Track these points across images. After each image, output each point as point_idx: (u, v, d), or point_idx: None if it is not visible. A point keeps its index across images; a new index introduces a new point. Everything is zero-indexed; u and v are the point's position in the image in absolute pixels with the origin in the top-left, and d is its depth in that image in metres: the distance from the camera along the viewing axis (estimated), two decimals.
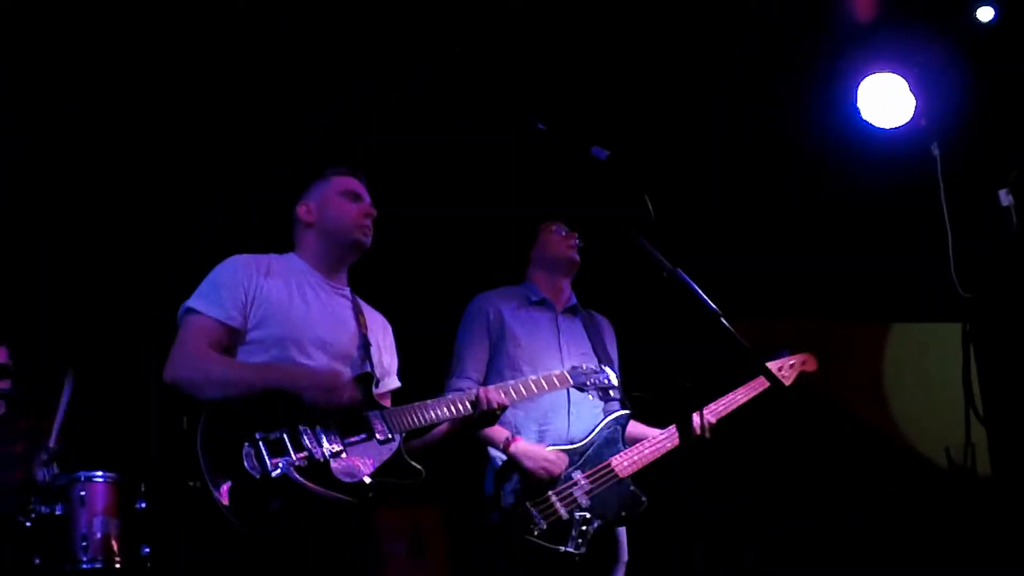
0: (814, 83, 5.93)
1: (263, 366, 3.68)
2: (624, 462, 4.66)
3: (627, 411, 4.80)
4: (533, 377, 4.29)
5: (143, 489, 4.79)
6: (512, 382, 4.20)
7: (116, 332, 5.57)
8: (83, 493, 4.64)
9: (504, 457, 4.57)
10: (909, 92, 5.65)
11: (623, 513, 4.62)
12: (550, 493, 4.50)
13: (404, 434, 3.80)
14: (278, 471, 3.43)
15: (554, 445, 4.64)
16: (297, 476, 3.45)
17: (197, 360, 3.61)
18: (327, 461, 3.55)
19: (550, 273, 4.97)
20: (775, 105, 6.00)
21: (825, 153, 6.10)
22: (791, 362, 5.20)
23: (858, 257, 6.55)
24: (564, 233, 4.94)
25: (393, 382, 4.07)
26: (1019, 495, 5.97)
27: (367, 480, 3.62)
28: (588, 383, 4.46)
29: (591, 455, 4.66)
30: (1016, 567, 5.71)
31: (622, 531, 4.75)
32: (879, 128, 5.73)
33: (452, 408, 3.91)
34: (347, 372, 3.78)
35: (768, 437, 5.41)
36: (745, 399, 4.96)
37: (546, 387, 4.31)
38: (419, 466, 3.78)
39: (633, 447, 4.72)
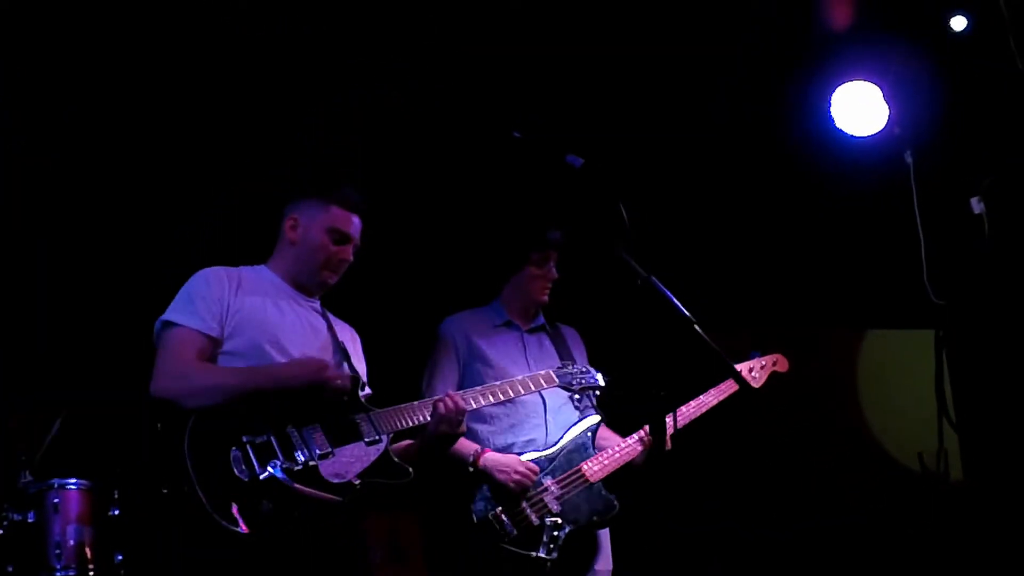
0: (788, 91, 5.94)
1: (248, 369, 3.71)
2: (594, 467, 4.68)
3: (598, 417, 4.81)
4: (519, 378, 4.31)
5: (116, 496, 4.77)
6: (498, 383, 4.23)
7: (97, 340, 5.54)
8: (56, 500, 4.61)
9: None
10: (883, 100, 5.68)
11: (595, 518, 4.64)
12: (521, 500, 4.52)
13: (391, 435, 3.86)
14: (266, 474, 3.46)
15: (533, 452, 4.65)
16: (285, 478, 3.48)
17: (181, 371, 3.65)
18: (315, 463, 3.59)
19: (522, 303, 4.98)
20: (749, 113, 6.01)
21: (799, 160, 6.12)
22: (762, 363, 5.23)
23: (831, 263, 6.57)
24: (547, 272, 4.93)
25: (366, 389, 4.08)
26: (991, 500, 6.00)
27: (355, 481, 3.65)
28: (574, 383, 4.50)
29: (561, 461, 4.67)
30: (988, 572, 5.75)
31: (605, 540, 4.77)
32: (853, 136, 5.77)
33: (435, 406, 3.97)
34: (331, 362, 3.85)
35: (740, 443, 5.42)
36: (715, 402, 4.98)
37: (532, 387, 4.34)
38: (407, 466, 3.83)
39: (603, 452, 4.74)
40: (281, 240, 4.08)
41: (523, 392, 4.32)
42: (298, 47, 5.45)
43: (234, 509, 3.40)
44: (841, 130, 5.75)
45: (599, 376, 4.58)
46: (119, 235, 5.65)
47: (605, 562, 4.74)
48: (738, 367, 5.08)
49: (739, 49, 5.76)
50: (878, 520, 6.57)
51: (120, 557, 4.69)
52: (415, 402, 3.99)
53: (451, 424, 3.95)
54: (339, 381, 3.79)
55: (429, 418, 3.94)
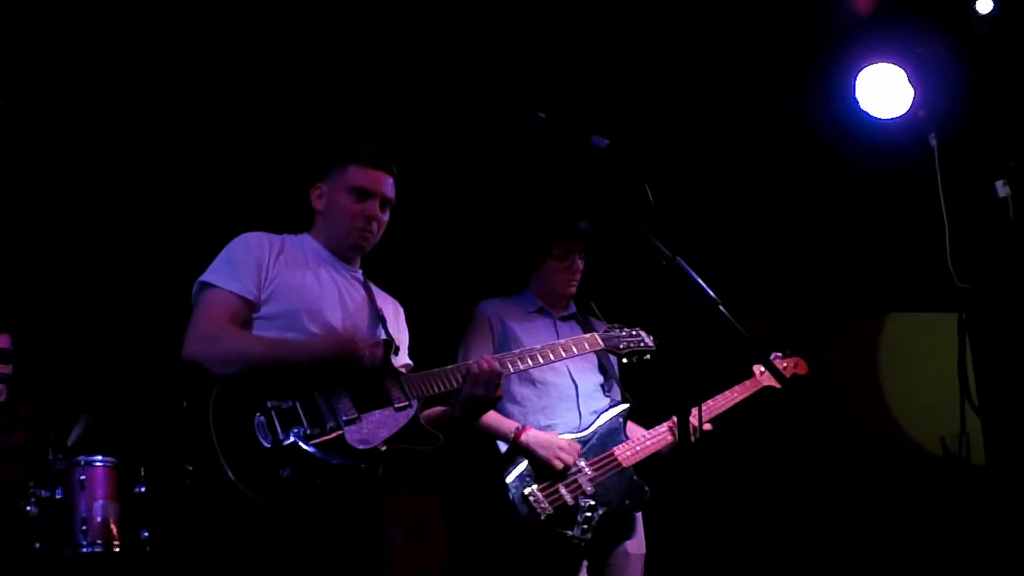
0: (813, 73, 5.92)
1: (281, 340, 3.64)
2: (627, 452, 4.71)
3: (628, 404, 4.84)
4: (562, 342, 4.28)
5: (142, 473, 4.82)
6: (538, 346, 4.18)
7: (115, 318, 5.57)
8: (83, 477, 4.67)
9: (505, 445, 4.63)
10: (907, 83, 5.66)
11: (627, 502, 4.67)
12: (557, 480, 4.55)
13: (421, 400, 3.77)
14: (289, 440, 3.40)
15: (568, 434, 4.68)
16: (307, 444, 3.42)
17: (214, 334, 3.57)
18: (341, 429, 3.52)
19: (549, 294, 4.99)
20: (774, 96, 6.00)
21: (823, 143, 6.11)
22: (784, 365, 5.25)
23: (855, 247, 6.56)
24: (570, 265, 4.93)
25: (404, 358, 4.00)
26: (1013, 485, 5.99)
27: (382, 447, 3.59)
28: (622, 345, 4.50)
29: (595, 444, 4.70)
30: (1011, 556, 5.74)
31: (639, 524, 4.79)
32: (877, 118, 5.75)
33: (470, 368, 3.86)
34: (364, 333, 3.79)
35: (761, 427, 5.43)
36: (740, 398, 5.02)
37: (575, 350, 4.31)
38: (437, 432, 3.74)
39: (635, 438, 4.77)
40: (315, 215, 4.01)
41: (564, 356, 4.26)
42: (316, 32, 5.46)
43: (256, 475, 3.34)
44: (866, 113, 5.73)
45: (649, 338, 4.57)
46: (143, 214, 5.68)
47: (638, 546, 4.76)
48: (760, 367, 5.11)
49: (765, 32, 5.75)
50: (900, 504, 6.57)
51: (146, 534, 4.75)
52: (448, 366, 3.89)
53: (487, 387, 3.82)
54: (370, 353, 3.69)
55: (463, 382, 3.83)
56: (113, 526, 4.68)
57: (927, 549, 6.37)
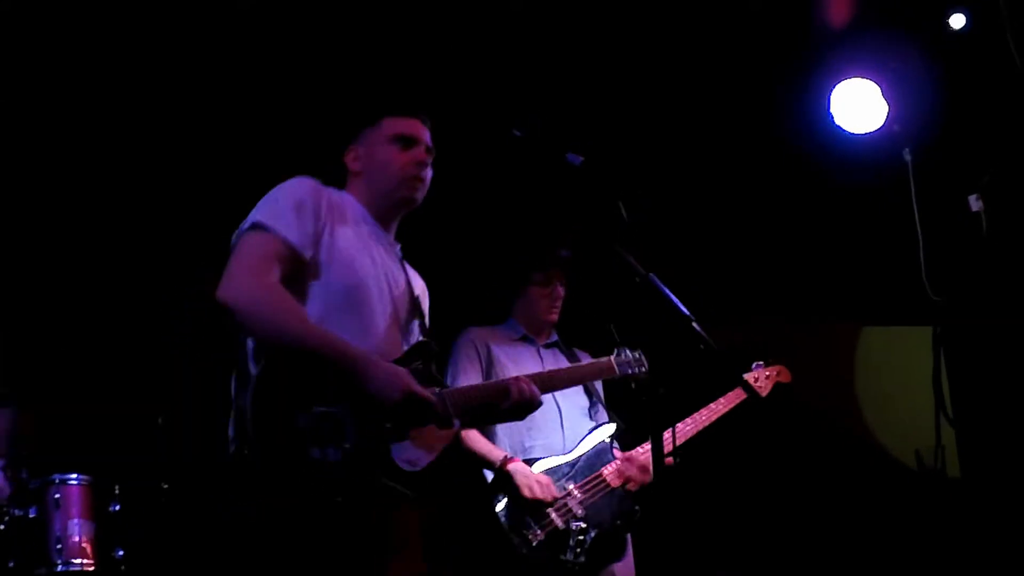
0: (788, 88, 5.95)
1: (334, 338, 3.21)
2: (613, 470, 4.71)
3: (615, 424, 4.85)
4: (583, 364, 4.25)
5: (117, 492, 4.80)
6: (553, 369, 4.18)
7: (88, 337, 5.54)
8: (57, 496, 4.66)
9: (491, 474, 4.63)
10: (882, 98, 5.69)
11: (618, 522, 4.67)
12: (547, 505, 4.54)
13: (463, 419, 3.53)
14: (335, 453, 3.10)
15: (547, 457, 4.68)
16: (354, 460, 3.12)
17: (265, 292, 3.17)
18: (387, 444, 3.22)
19: (531, 321, 5.02)
20: (748, 109, 6.02)
21: (798, 157, 6.13)
22: (767, 373, 5.26)
23: (830, 260, 6.59)
24: (552, 292, 4.96)
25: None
26: (988, 497, 6.02)
27: (425, 468, 3.31)
28: (631, 371, 4.46)
29: (582, 466, 4.70)
30: (985, 569, 5.76)
31: (628, 544, 4.80)
32: (852, 133, 5.78)
33: (505, 389, 3.63)
34: (409, 380, 3.27)
35: (736, 439, 5.43)
36: (725, 410, 5.01)
37: (588, 375, 4.30)
38: (527, 449, 3.67)
39: (624, 455, 4.77)
40: (350, 177, 3.68)
41: (579, 381, 4.32)
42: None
43: (295, 484, 3.07)
44: (840, 127, 5.76)
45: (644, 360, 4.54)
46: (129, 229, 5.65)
47: (628, 569, 4.75)
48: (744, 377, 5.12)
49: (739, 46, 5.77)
50: (875, 517, 6.58)
51: (121, 552, 4.73)
52: (484, 383, 3.84)
53: (521, 411, 3.64)
54: (408, 407, 3.27)
55: (498, 400, 3.60)
56: (87, 545, 4.67)
57: (902, 562, 6.38)
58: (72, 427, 5.09)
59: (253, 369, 3.20)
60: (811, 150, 6.00)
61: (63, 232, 5.55)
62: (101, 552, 4.69)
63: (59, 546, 4.59)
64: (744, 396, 5.02)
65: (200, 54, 5.36)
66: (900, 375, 6.67)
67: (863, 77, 5.71)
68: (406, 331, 3.55)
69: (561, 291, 4.97)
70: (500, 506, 4.52)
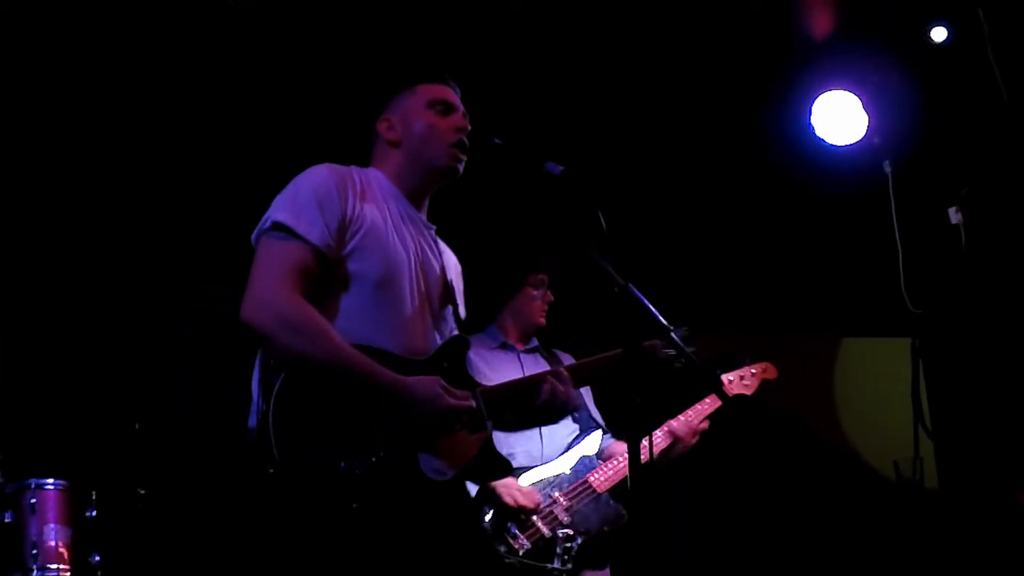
0: (770, 100, 5.97)
1: (365, 362, 3.03)
2: (600, 477, 4.73)
3: (599, 429, 4.85)
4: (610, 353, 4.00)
5: (94, 497, 4.78)
6: (582, 360, 3.87)
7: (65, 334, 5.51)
8: (33, 501, 4.62)
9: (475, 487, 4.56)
10: (862, 110, 5.73)
11: (605, 528, 4.66)
12: (532, 513, 4.55)
13: (495, 418, 3.32)
14: (362, 465, 2.95)
15: (527, 467, 4.69)
16: (381, 471, 2.98)
17: (292, 313, 3.01)
18: (415, 454, 3.07)
19: (519, 327, 5.03)
20: (731, 120, 6.04)
21: (779, 169, 6.15)
22: (752, 371, 5.26)
23: (810, 271, 6.60)
24: (544, 295, 4.99)
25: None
26: (965, 508, 6.03)
27: (454, 478, 3.18)
28: (675, 351, 4.32)
29: (568, 473, 4.70)
30: None
31: (610, 558, 4.78)
32: (832, 145, 5.80)
33: (548, 386, 3.42)
34: (443, 398, 3.10)
35: (714, 449, 5.43)
36: (711, 409, 5.00)
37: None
38: (507, 459, 3.37)
39: (608, 462, 4.78)
40: (381, 148, 3.47)
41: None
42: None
43: (320, 495, 2.94)
44: (821, 139, 5.79)
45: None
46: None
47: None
48: (728, 376, 5.12)
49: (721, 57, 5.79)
50: (852, 527, 6.59)
51: (97, 558, 4.70)
52: (519, 379, 3.61)
53: (557, 413, 3.45)
54: (458, 423, 3.15)
55: (535, 399, 3.40)
56: (64, 550, 4.63)
57: (879, 573, 6.39)
58: (49, 431, 5.06)
59: (275, 379, 2.99)
60: (792, 161, 6.02)
61: (39, 233, 5.51)
62: (77, 557, 4.65)
63: (35, 551, 4.56)
64: (730, 395, 5.03)
65: (204, 36, 5.31)
66: (879, 386, 6.69)
67: (844, 89, 5.74)
68: (439, 320, 3.40)
69: (550, 295, 5.02)
70: (487, 517, 4.51)
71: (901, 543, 6.32)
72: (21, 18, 5.00)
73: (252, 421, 3.03)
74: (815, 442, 6.80)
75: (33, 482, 4.67)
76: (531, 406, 3.41)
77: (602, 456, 4.82)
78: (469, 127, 3.45)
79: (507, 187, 4.51)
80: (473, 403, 3.20)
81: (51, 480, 4.70)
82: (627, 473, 4.63)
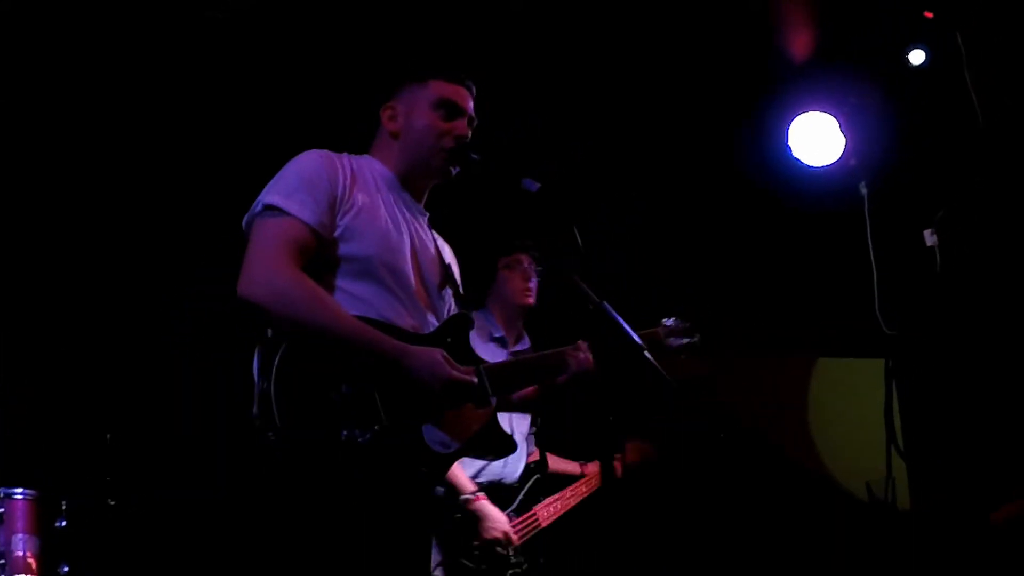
0: (747, 120, 5.99)
1: (367, 330, 3.05)
2: (545, 512, 4.75)
3: (543, 458, 4.90)
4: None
5: (63, 507, 4.75)
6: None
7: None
8: (2, 510, 4.59)
9: (442, 490, 4.51)
10: (839, 132, 5.75)
11: (541, 560, 4.73)
12: None
13: (500, 396, 3.33)
14: (364, 435, 2.93)
15: (489, 480, 4.68)
16: (384, 441, 2.96)
17: (289, 284, 3.01)
18: (419, 426, 3.06)
19: (506, 312, 4.97)
20: (708, 140, 6.06)
21: (756, 189, 6.17)
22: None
23: (784, 291, 6.62)
24: (522, 273, 4.91)
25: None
26: (938, 529, 6.05)
27: (458, 450, 3.15)
28: (684, 341, 4.31)
29: (523, 500, 4.71)
30: None
31: None
32: (809, 166, 5.82)
33: (559, 360, 3.45)
34: (446, 367, 3.10)
35: (689, 468, 5.46)
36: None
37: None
38: (511, 437, 3.35)
39: (555, 496, 4.80)
40: (381, 135, 3.45)
41: None
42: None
43: (322, 466, 2.92)
44: (798, 159, 5.80)
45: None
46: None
47: None
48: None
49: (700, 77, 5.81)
50: (825, 548, 6.61)
51: (66, 568, 4.67)
52: (531, 355, 3.57)
53: (583, 384, 3.45)
54: (460, 394, 3.14)
55: (555, 374, 3.43)
56: (32, 560, 4.60)
57: None
58: (18, 440, 5.03)
59: (274, 356, 2.96)
60: (769, 181, 6.04)
61: (14, 242, 5.49)
62: (46, 568, 4.63)
63: (3, 561, 4.52)
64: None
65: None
66: (852, 407, 6.71)
67: (822, 110, 5.76)
68: (439, 299, 3.41)
69: (531, 272, 4.90)
70: (446, 530, 4.50)
71: (873, 564, 6.34)
72: (21, 18, 4.97)
73: (254, 408, 2.97)
74: (788, 461, 6.81)
75: (2, 491, 4.63)
76: (553, 383, 3.43)
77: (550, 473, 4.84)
78: (470, 135, 3.43)
79: (484, 203, 4.50)
80: (475, 379, 3.18)
81: (20, 489, 4.66)
82: (572, 506, 4.76)
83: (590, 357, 3.44)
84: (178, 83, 5.39)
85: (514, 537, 4.54)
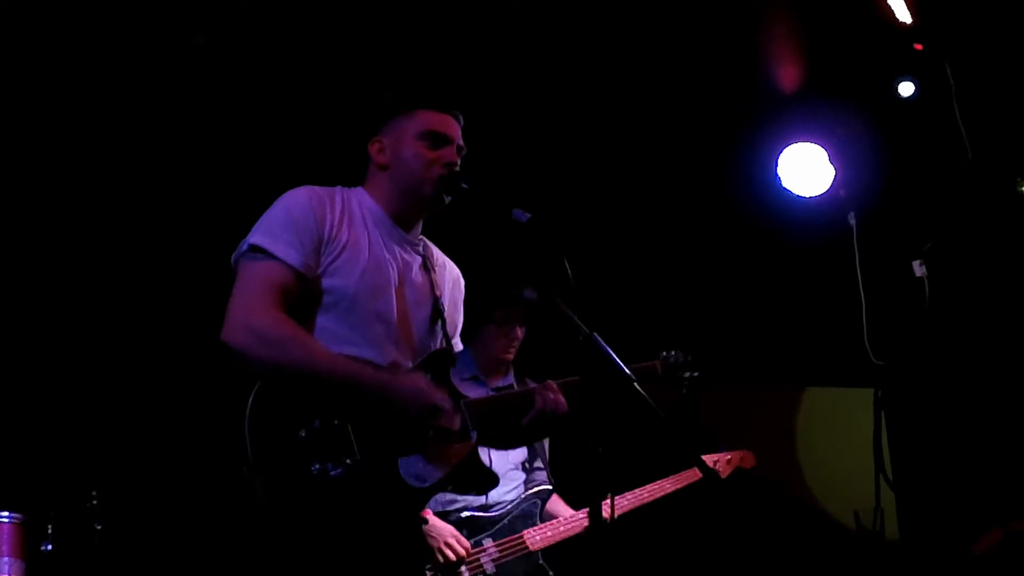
0: (736, 151, 6.02)
1: (347, 364, 3.08)
2: (537, 536, 4.69)
3: (549, 487, 4.82)
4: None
5: (49, 531, 4.73)
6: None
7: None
8: None
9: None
10: (828, 162, 5.77)
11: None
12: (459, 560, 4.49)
13: (481, 430, 3.31)
14: (336, 469, 2.96)
15: (469, 512, 4.64)
16: (354, 478, 2.97)
17: (267, 327, 3.02)
18: (394, 459, 3.05)
19: (486, 360, 4.97)
20: (698, 171, 6.08)
21: (746, 219, 6.19)
22: (728, 457, 5.26)
23: (774, 321, 6.63)
24: (510, 334, 4.91)
25: (457, 345, 3.60)
26: (926, 559, 6.05)
27: (434, 485, 3.15)
28: (682, 375, 4.38)
29: (505, 525, 4.67)
30: None
31: None
32: (798, 196, 5.84)
33: (539, 399, 3.40)
34: (430, 393, 3.12)
35: (678, 497, 5.44)
36: (672, 489, 4.99)
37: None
38: (494, 472, 3.34)
39: (549, 523, 4.75)
40: (371, 168, 3.45)
41: None
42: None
43: (293, 502, 2.93)
44: (787, 190, 5.82)
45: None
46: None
47: None
48: (704, 458, 5.11)
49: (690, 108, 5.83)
50: None
51: None
52: (513, 391, 3.67)
53: (553, 423, 3.41)
54: (443, 422, 3.15)
55: (529, 409, 3.38)
56: None
57: None
58: (4, 464, 5.01)
59: (250, 394, 3.00)
60: (758, 212, 6.06)
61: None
62: None
63: None
64: (697, 477, 4.93)
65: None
66: (841, 436, 6.72)
67: (811, 141, 5.79)
68: (428, 335, 3.41)
69: (520, 332, 4.91)
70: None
71: None
72: (21, 19, 4.97)
73: (234, 446, 2.99)
74: (776, 491, 6.80)
75: None
76: (520, 422, 3.39)
77: (545, 515, 4.79)
78: (458, 162, 3.43)
79: (473, 233, 4.51)
80: (455, 409, 3.21)
81: (6, 513, 4.64)
82: (569, 535, 4.68)
83: (559, 398, 3.42)
84: (170, 107, 5.40)
85: (460, 548, 4.43)
